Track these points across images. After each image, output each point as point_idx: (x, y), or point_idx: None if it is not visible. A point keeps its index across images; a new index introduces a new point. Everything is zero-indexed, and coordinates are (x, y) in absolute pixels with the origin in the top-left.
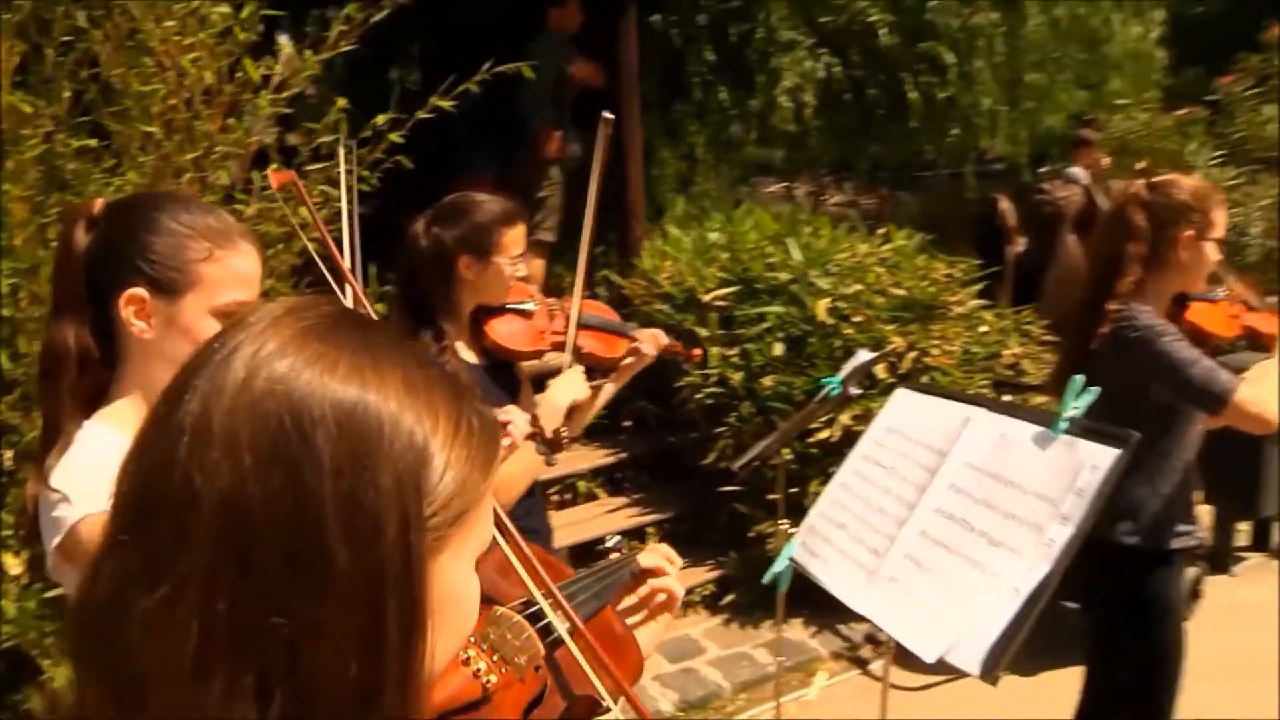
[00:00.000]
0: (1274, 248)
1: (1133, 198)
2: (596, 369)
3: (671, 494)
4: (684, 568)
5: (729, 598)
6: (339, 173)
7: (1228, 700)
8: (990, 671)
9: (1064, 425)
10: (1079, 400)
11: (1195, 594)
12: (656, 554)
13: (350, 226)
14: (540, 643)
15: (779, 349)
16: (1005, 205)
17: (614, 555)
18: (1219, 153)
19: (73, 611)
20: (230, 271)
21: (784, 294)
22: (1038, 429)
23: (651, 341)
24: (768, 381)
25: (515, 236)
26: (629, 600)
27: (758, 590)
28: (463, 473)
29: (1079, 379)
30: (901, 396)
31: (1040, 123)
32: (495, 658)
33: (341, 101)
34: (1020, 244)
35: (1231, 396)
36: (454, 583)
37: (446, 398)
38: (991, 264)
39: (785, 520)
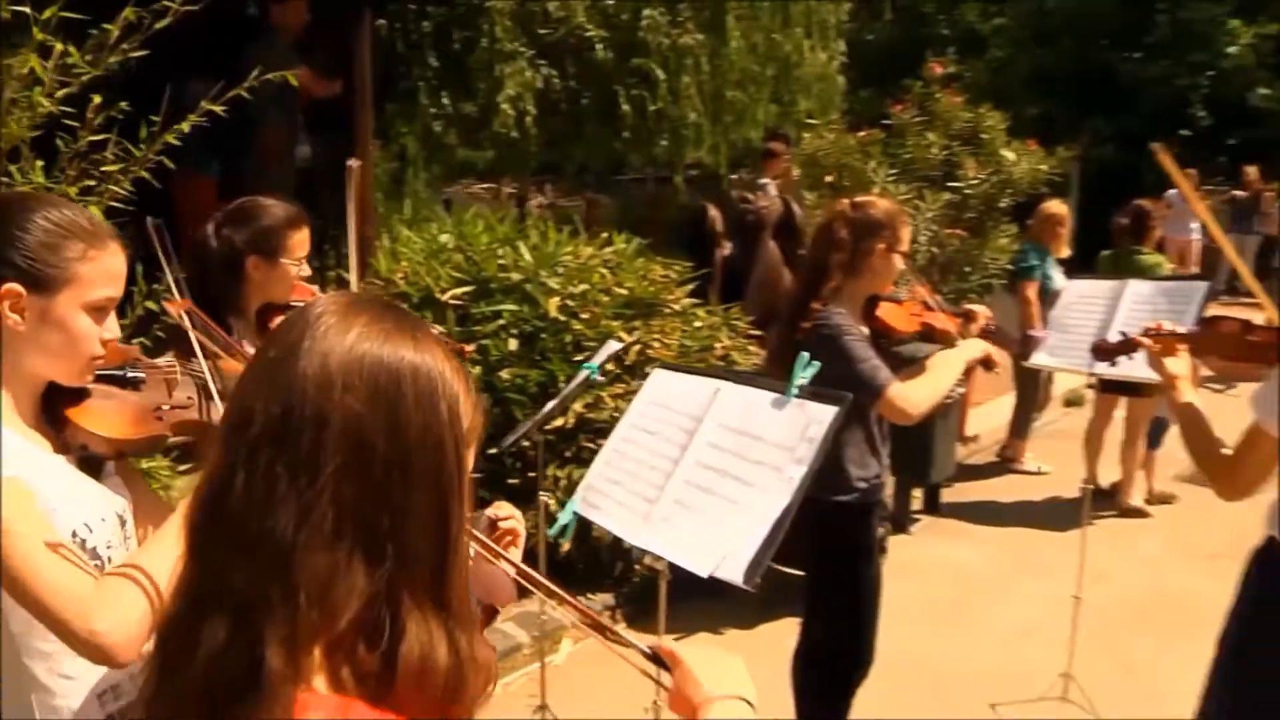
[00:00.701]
0: (937, 254)
1: (838, 214)
2: None
3: None
4: None
5: None
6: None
7: (915, 637)
8: (750, 580)
9: (795, 391)
10: (805, 372)
11: (881, 549)
12: (500, 507)
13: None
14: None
15: (514, 344)
16: (714, 213)
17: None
18: (894, 170)
19: (210, 509)
20: (103, 270)
21: (517, 293)
22: (775, 395)
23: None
24: (505, 375)
25: (301, 239)
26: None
27: None
28: (470, 403)
29: (805, 355)
30: (659, 375)
31: (738, 136)
32: None
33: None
34: (726, 248)
35: (884, 391)
36: None
37: (451, 355)
38: (701, 266)
39: (546, 494)
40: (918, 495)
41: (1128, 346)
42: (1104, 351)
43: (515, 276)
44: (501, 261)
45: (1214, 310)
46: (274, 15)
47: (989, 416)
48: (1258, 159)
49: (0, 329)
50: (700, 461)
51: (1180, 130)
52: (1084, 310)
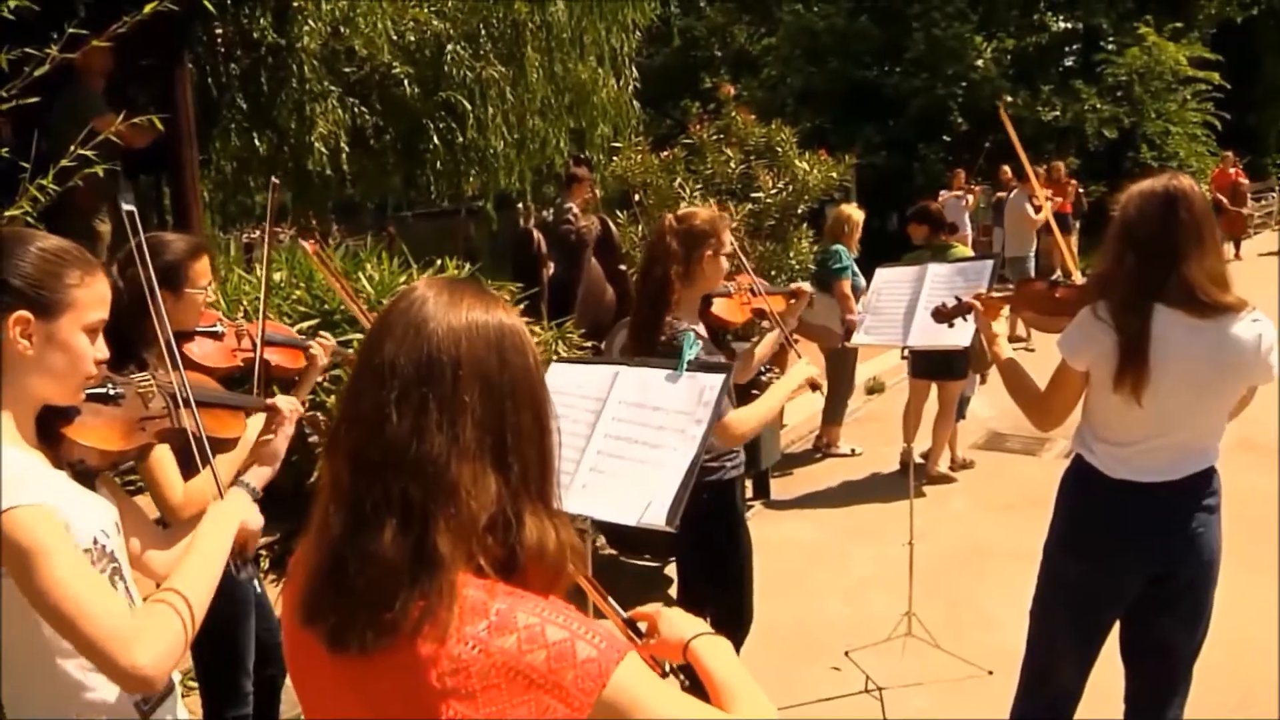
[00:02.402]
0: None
1: (667, 228)
2: (282, 379)
3: (287, 511)
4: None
5: None
6: None
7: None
8: (672, 522)
9: (685, 366)
10: (691, 351)
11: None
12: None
13: None
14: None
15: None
16: (538, 236)
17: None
18: (698, 186)
19: (370, 439)
20: (96, 294)
21: (359, 323)
22: (668, 371)
23: (324, 349)
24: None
25: (203, 267)
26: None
27: None
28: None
29: (690, 334)
30: (556, 369)
31: (541, 162)
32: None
33: None
34: (551, 268)
35: (721, 418)
36: None
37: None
38: (530, 286)
39: None
40: (748, 483)
41: (962, 309)
42: (942, 314)
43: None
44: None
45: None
46: (78, 61)
47: (803, 407)
48: (1010, 160)
49: (6, 354)
50: (609, 434)
51: (942, 136)
52: (893, 293)
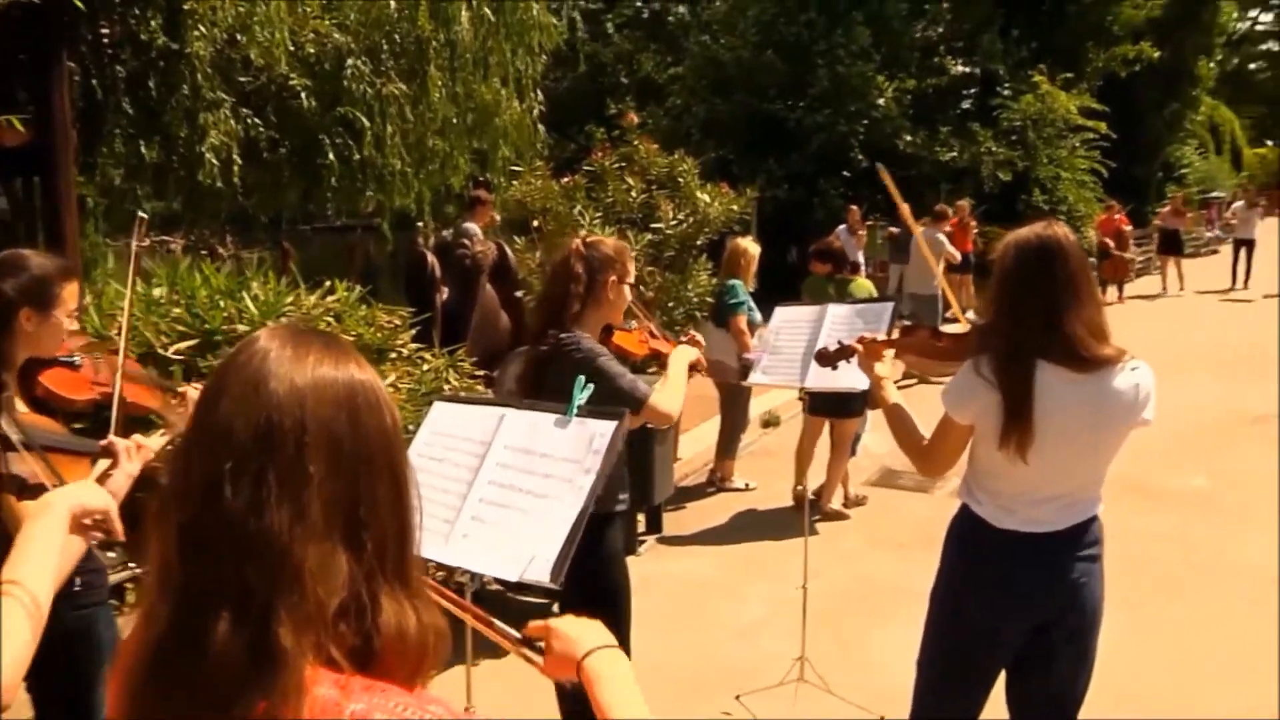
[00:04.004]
0: (643, 290)
1: (574, 252)
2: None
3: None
4: None
5: None
6: None
7: (657, 642)
8: (556, 579)
9: (575, 411)
10: (582, 394)
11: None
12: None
13: None
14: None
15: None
16: (432, 259)
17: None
18: (598, 214)
19: (201, 515)
20: (74, 293)
21: None
22: (556, 415)
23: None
24: None
25: (73, 291)
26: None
27: None
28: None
29: (581, 379)
30: (440, 407)
31: (440, 182)
32: None
33: None
34: (445, 292)
35: (647, 401)
36: None
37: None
38: (422, 311)
39: None
40: (641, 518)
41: (845, 352)
42: (826, 358)
43: (241, 328)
44: (225, 313)
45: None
46: None
47: (696, 441)
48: (909, 197)
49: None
50: (493, 480)
51: (843, 172)
52: (792, 333)
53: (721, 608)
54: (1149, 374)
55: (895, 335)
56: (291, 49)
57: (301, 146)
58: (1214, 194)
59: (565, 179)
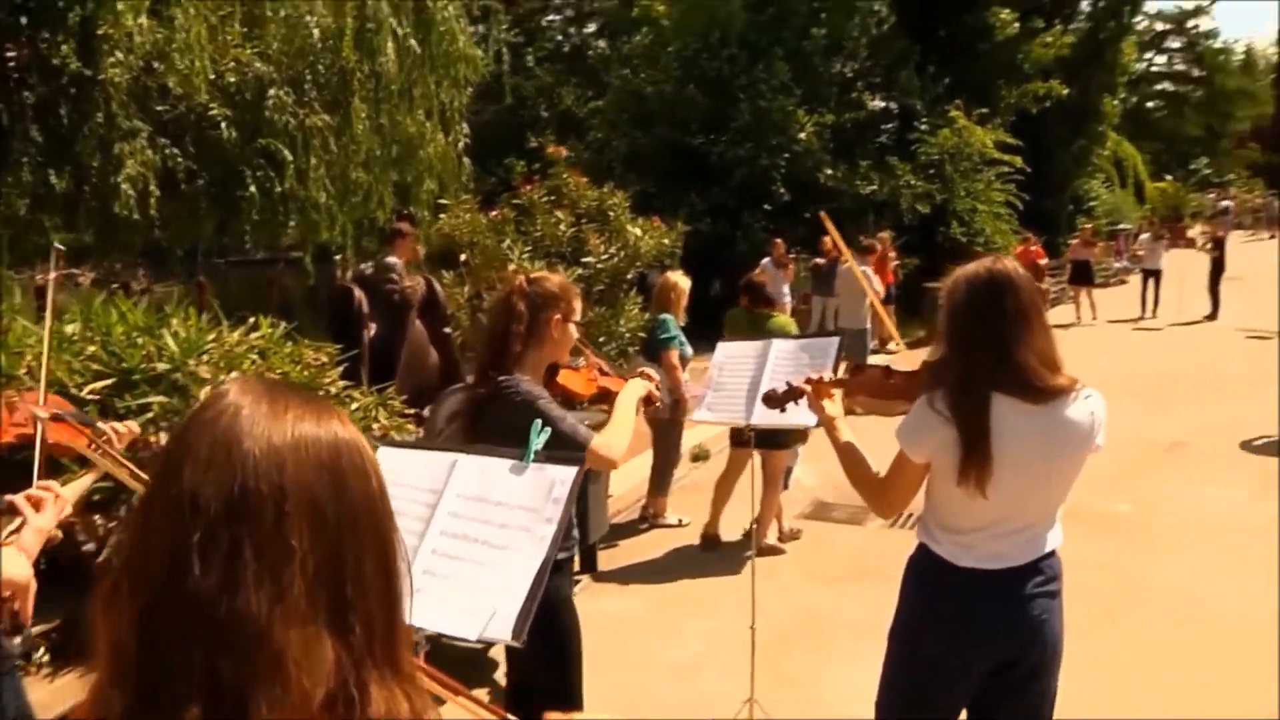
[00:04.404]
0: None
1: (516, 289)
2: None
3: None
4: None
5: None
6: None
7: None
8: (519, 636)
9: (532, 456)
10: (539, 439)
11: None
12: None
13: None
14: None
15: (166, 438)
16: (359, 294)
17: None
18: (528, 248)
19: (164, 595)
20: None
21: (164, 383)
22: (511, 461)
23: (118, 435)
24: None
25: None
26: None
27: None
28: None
29: (538, 423)
30: (385, 453)
31: (364, 215)
32: None
33: None
34: (372, 328)
35: (589, 445)
36: None
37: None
38: (347, 347)
39: None
40: (575, 557)
41: (794, 394)
42: (774, 400)
43: (161, 366)
44: (144, 351)
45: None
46: None
47: (628, 477)
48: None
49: None
50: (445, 531)
51: (764, 205)
52: (735, 369)
53: (660, 645)
54: (1101, 402)
55: (844, 374)
56: (212, 77)
57: (221, 178)
58: (1121, 226)
59: (494, 212)
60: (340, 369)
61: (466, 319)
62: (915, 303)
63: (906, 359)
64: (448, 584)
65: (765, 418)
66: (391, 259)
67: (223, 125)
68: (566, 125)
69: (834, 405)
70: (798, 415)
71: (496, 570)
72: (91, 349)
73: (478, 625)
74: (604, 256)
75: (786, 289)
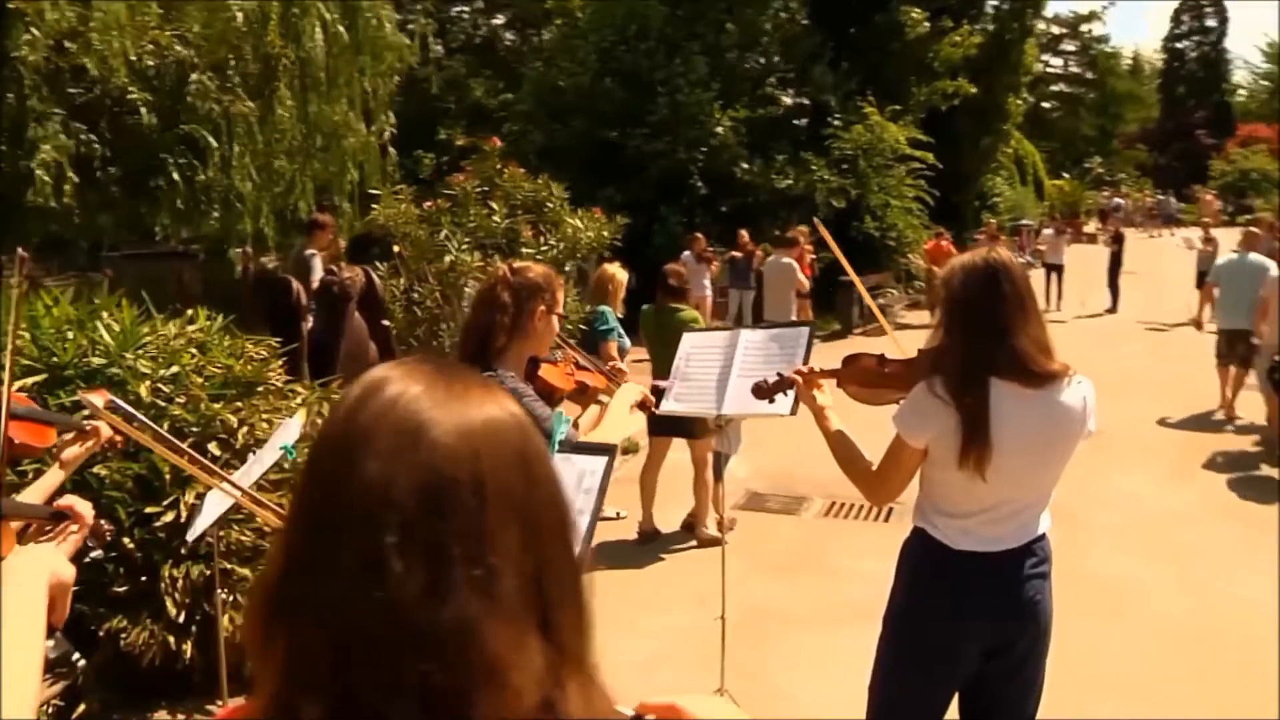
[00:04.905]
0: None
1: (500, 279)
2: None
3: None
4: None
5: (80, 709)
6: None
7: None
8: None
9: (557, 447)
10: (561, 430)
11: None
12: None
13: None
14: None
15: (106, 432)
16: (298, 285)
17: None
18: (467, 239)
19: (362, 607)
20: None
21: (99, 378)
22: None
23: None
24: (100, 470)
25: None
26: None
27: (115, 690)
28: None
29: (560, 412)
30: None
31: (287, 206)
32: None
33: None
34: (310, 321)
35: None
36: None
37: None
38: (284, 340)
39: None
40: None
41: (784, 384)
42: (764, 391)
43: (96, 361)
44: (77, 345)
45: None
46: None
47: None
48: (746, 223)
49: None
50: None
51: (681, 199)
52: (702, 359)
53: (615, 641)
54: (1091, 387)
55: (839, 364)
56: (131, 59)
57: (139, 166)
58: (1023, 222)
59: (428, 203)
60: (281, 363)
61: (400, 311)
62: (830, 297)
63: (824, 354)
64: None
65: (736, 407)
66: (310, 251)
67: (142, 110)
68: (478, 118)
69: (824, 395)
70: (773, 404)
71: None
72: (21, 342)
73: None
74: (543, 248)
75: (707, 282)
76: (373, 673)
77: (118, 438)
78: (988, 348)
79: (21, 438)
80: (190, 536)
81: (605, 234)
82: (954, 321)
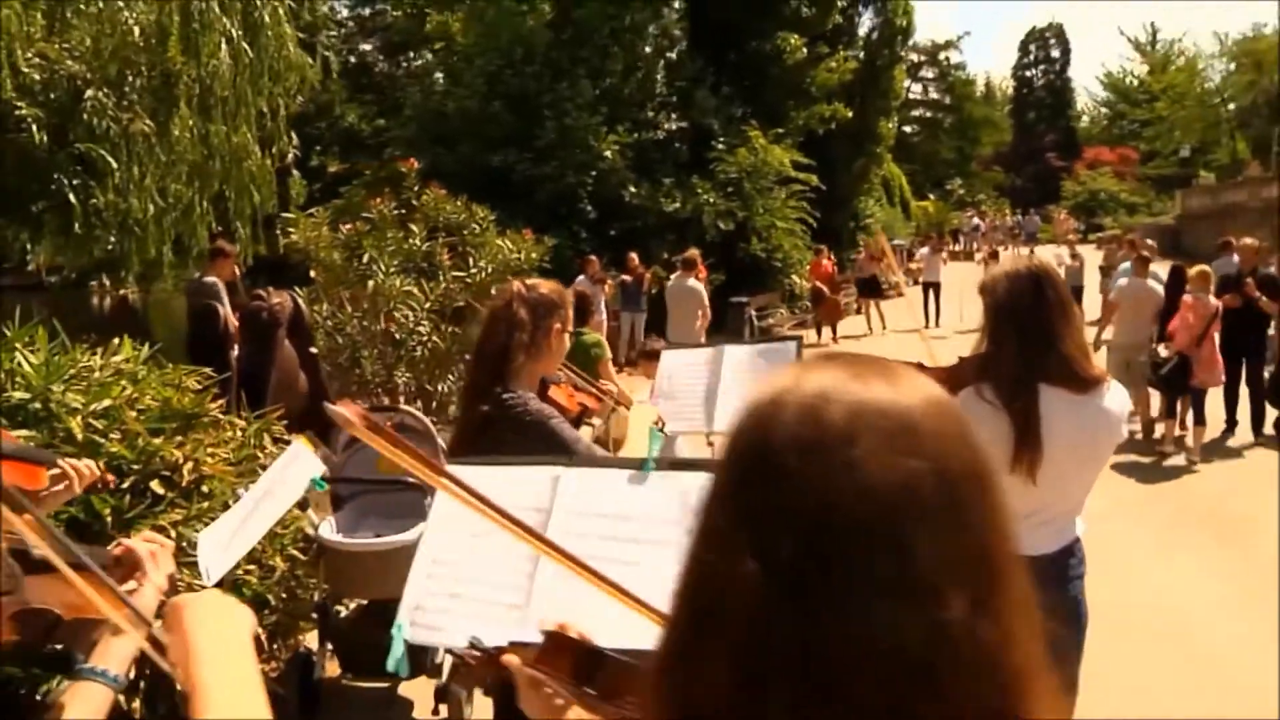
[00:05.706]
0: (439, 343)
1: (517, 295)
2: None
3: None
4: None
5: None
6: None
7: None
8: None
9: (652, 465)
10: (656, 446)
11: None
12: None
13: None
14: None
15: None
16: (225, 312)
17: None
18: (395, 263)
19: (847, 630)
20: None
21: (23, 414)
22: (630, 471)
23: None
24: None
25: None
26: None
27: None
28: None
29: (654, 429)
30: (466, 472)
31: (186, 231)
32: None
33: None
34: (236, 349)
35: None
36: None
37: None
38: (211, 369)
39: None
40: None
41: None
42: None
43: (17, 395)
44: None
45: None
46: None
47: None
48: (635, 246)
49: None
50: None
51: (570, 224)
52: (687, 376)
53: None
54: (1124, 393)
55: None
56: (21, 72)
57: (28, 186)
58: (895, 241)
59: (346, 227)
60: (213, 394)
61: (322, 337)
62: (720, 317)
63: None
64: (577, 610)
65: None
66: (210, 278)
67: (33, 127)
68: (351, 143)
69: None
70: None
71: (638, 588)
72: None
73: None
74: (472, 271)
75: (602, 304)
76: (937, 706)
77: (110, 478)
78: (1036, 354)
79: (13, 479)
80: (209, 581)
81: (534, 255)
82: (1002, 328)
